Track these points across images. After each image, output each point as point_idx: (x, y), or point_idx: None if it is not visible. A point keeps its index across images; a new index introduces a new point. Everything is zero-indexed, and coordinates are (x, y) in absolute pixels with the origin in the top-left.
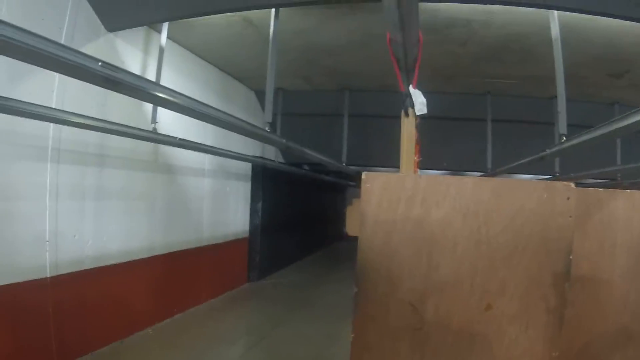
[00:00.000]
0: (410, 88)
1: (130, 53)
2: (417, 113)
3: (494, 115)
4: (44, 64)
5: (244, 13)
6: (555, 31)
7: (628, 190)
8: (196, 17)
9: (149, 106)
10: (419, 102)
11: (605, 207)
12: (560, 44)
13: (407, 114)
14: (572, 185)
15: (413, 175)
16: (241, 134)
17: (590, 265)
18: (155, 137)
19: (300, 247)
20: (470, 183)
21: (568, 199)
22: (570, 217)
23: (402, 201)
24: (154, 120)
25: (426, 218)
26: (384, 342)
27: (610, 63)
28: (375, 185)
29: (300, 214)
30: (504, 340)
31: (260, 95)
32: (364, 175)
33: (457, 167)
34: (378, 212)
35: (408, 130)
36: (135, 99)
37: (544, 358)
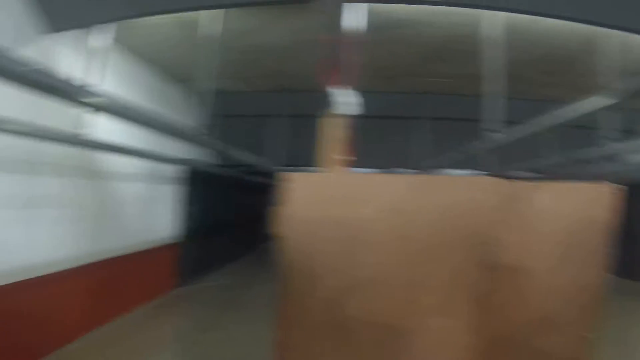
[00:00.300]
0: (339, 89)
1: (73, 54)
2: (344, 112)
3: (432, 113)
4: None
5: (188, 14)
6: (495, 32)
7: (551, 183)
8: (140, 17)
9: (79, 111)
10: (347, 101)
11: (528, 198)
12: (499, 44)
13: (332, 113)
14: (496, 179)
15: (337, 175)
16: (176, 137)
17: (514, 256)
18: (86, 142)
19: (231, 249)
20: (395, 180)
21: (492, 192)
22: (494, 210)
23: (327, 200)
24: (84, 125)
25: (350, 216)
26: (308, 341)
27: (548, 62)
28: (300, 184)
29: (231, 217)
30: (429, 332)
31: (198, 97)
32: (287, 175)
33: (393, 165)
34: (302, 211)
35: (333, 130)
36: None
37: (469, 347)
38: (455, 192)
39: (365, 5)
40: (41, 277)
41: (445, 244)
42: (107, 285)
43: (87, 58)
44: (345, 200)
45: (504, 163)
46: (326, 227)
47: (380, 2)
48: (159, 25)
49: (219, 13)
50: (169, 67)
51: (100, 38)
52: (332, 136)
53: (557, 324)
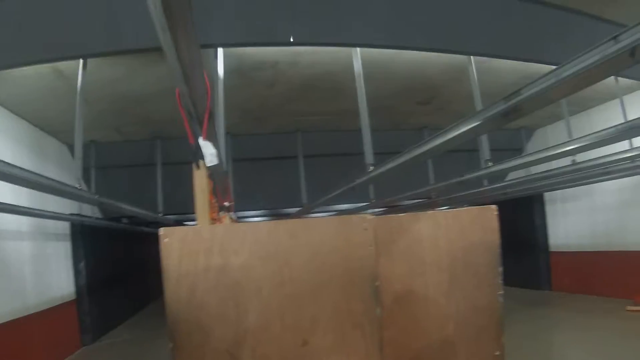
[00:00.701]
0: (200, 140)
1: None
2: (208, 164)
3: (306, 151)
4: None
5: (54, 64)
6: (357, 67)
7: (429, 212)
8: (4, 69)
9: None
10: (209, 153)
11: (409, 230)
12: (362, 79)
13: (198, 166)
14: (368, 216)
15: (209, 227)
16: (52, 194)
17: (403, 287)
18: None
19: (130, 302)
20: (266, 228)
21: (365, 229)
22: (371, 246)
23: (202, 252)
24: None
25: (227, 266)
26: None
27: (417, 91)
28: (174, 239)
29: (127, 268)
30: None
31: (74, 149)
32: (161, 230)
33: (274, 206)
34: (179, 265)
35: (200, 182)
36: None
37: None
38: (327, 233)
39: (222, 50)
40: None
41: (325, 283)
42: (7, 351)
43: None
44: (219, 250)
45: (387, 193)
46: (206, 278)
47: (238, 45)
48: (25, 77)
49: (80, 64)
50: (38, 120)
51: None
52: (201, 187)
53: (457, 346)
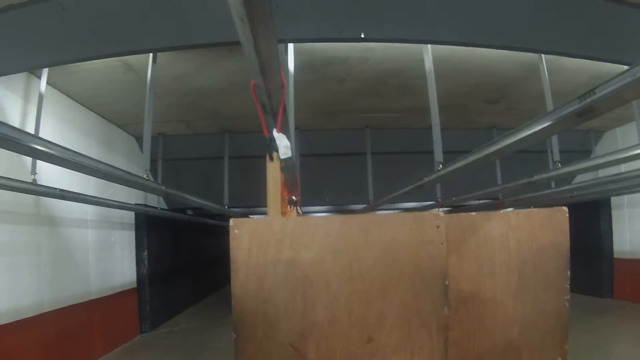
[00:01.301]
0: (274, 132)
1: (10, 100)
2: (282, 157)
3: (374, 148)
4: None
5: (124, 58)
6: (428, 64)
7: (501, 211)
8: (75, 62)
9: (27, 157)
10: (283, 146)
11: (480, 229)
12: (433, 77)
13: (271, 158)
14: (441, 213)
15: (280, 219)
16: (120, 184)
17: (472, 287)
18: (36, 189)
19: (191, 292)
20: (338, 222)
21: (438, 227)
22: (442, 244)
23: (272, 244)
24: (33, 171)
25: (297, 259)
26: None
27: (486, 90)
28: (244, 230)
29: (189, 259)
30: None
31: (141, 141)
32: (231, 221)
33: (340, 202)
34: (248, 257)
35: (273, 174)
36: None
37: None
38: (399, 229)
39: (292, 45)
40: (3, 325)
41: (395, 282)
42: (69, 334)
43: (23, 104)
44: (290, 243)
45: (453, 192)
46: (275, 271)
47: (308, 41)
48: (96, 70)
49: (150, 58)
50: (107, 112)
51: (37, 82)
52: (274, 179)
53: (521, 351)
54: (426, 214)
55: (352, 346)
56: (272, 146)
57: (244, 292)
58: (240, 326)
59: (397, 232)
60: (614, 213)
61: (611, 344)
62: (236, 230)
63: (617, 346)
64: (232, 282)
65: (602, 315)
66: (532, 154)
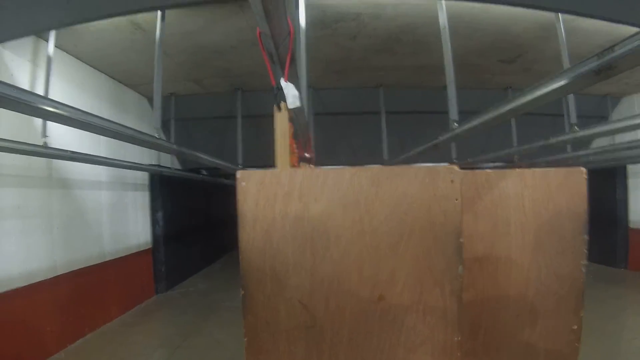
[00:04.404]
0: (282, 81)
1: (19, 65)
2: (290, 107)
3: (388, 107)
4: None
5: (132, 17)
6: (443, 20)
7: (517, 169)
8: (82, 23)
9: (38, 120)
10: (291, 95)
11: (495, 187)
12: (448, 33)
13: (279, 109)
14: (456, 167)
15: (289, 170)
16: (131, 143)
17: (486, 246)
18: (47, 152)
19: (206, 253)
20: (348, 174)
21: (452, 181)
22: (457, 199)
23: (280, 197)
24: (44, 134)
25: (306, 213)
26: (278, 343)
27: (502, 50)
28: (251, 182)
29: (203, 220)
30: (402, 330)
31: (153, 101)
32: (238, 173)
33: (354, 162)
34: (256, 210)
35: (282, 125)
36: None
37: (447, 343)
38: (411, 183)
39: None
40: (17, 289)
41: (406, 237)
42: (86, 295)
43: (32, 67)
44: (298, 195)
45: (468, 153)
46: (283, 225)
47: None
48: (104, 30)
49: (158, 15)
50: (117, 73)
51: (44, 46)
52: (282, 130)
53: (536, 314)
54: (440, 167)
55: (363, 304)
56: (279, 96)
57: (251, 247)
58: (248, 282)
59: (409, 185)
60: (630, 181)
61: (625, 315)
62: (243, 183)
63: (631, 317)
64: (239, 237)
65: (616, 285)
66: (548, 117)
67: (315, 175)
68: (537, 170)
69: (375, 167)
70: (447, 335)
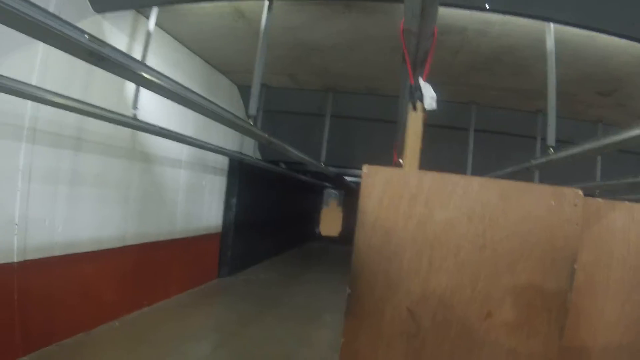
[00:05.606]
0: (421, 80)
1: (117, 36)
2: (427, 108)
3: (477, 124)
4: (28, 31)
5: (237, 4)
6: (550, 45)
7: (625, 202)
8: (186, 3)
9: (130, 91)
10: (429, 96)
11: (604, 217)
12: (554, 58)
13: (414, 108)
14: (580, 192)
15: (418, 172)
16: (225, 125)
17: (585, 277)
18: (136, 124)
19: (272, 244)
20: (477, 183)
21: (576, 205)
22: (577, 224)
23: (405, 199)
24: (135, 106)
25: (429, 218)
26: (377, 348)
27: (600, 82)
28: (377, 180)
29: (275, 212)
30: (503, 350)
31: (242, 90)
32: (365, 168)
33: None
34: (379, 209)
35: (415, 125)
36: (118, 83)
37: None
38: (537, 202)
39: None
40: (84, 253)
41: (525, 257)
42: (150, 269)
43: (129, 42)
44: (425, 199)
45: (548, 182)
46: (405, 228)
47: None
48: (205, 14)
49: (265, 6)
50: (212, 58)
51: (144, 22)
52: (415, 130)
53: (624, 348)
54: (566, 189)
55: (470, 319)
56: (416, 95)
57: (367, 247)
58: (357, 283)
59: (535, 204)
60: None
61: None
62: (369, 179)
63: None
64: (356, 234)
65: None
66: (635, 155)
67: (445, 181)
68: None
69: (504, 181)
70: None
